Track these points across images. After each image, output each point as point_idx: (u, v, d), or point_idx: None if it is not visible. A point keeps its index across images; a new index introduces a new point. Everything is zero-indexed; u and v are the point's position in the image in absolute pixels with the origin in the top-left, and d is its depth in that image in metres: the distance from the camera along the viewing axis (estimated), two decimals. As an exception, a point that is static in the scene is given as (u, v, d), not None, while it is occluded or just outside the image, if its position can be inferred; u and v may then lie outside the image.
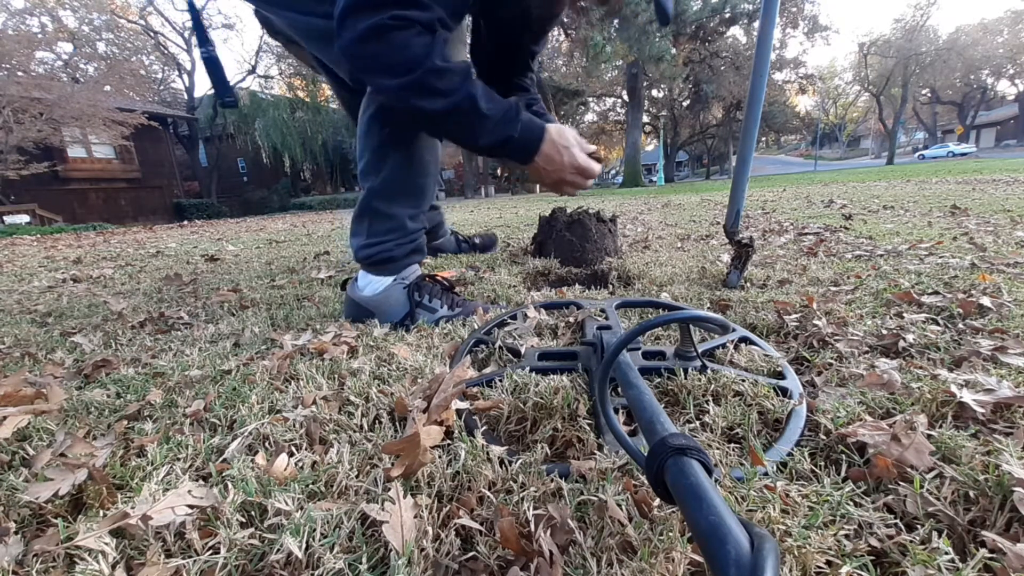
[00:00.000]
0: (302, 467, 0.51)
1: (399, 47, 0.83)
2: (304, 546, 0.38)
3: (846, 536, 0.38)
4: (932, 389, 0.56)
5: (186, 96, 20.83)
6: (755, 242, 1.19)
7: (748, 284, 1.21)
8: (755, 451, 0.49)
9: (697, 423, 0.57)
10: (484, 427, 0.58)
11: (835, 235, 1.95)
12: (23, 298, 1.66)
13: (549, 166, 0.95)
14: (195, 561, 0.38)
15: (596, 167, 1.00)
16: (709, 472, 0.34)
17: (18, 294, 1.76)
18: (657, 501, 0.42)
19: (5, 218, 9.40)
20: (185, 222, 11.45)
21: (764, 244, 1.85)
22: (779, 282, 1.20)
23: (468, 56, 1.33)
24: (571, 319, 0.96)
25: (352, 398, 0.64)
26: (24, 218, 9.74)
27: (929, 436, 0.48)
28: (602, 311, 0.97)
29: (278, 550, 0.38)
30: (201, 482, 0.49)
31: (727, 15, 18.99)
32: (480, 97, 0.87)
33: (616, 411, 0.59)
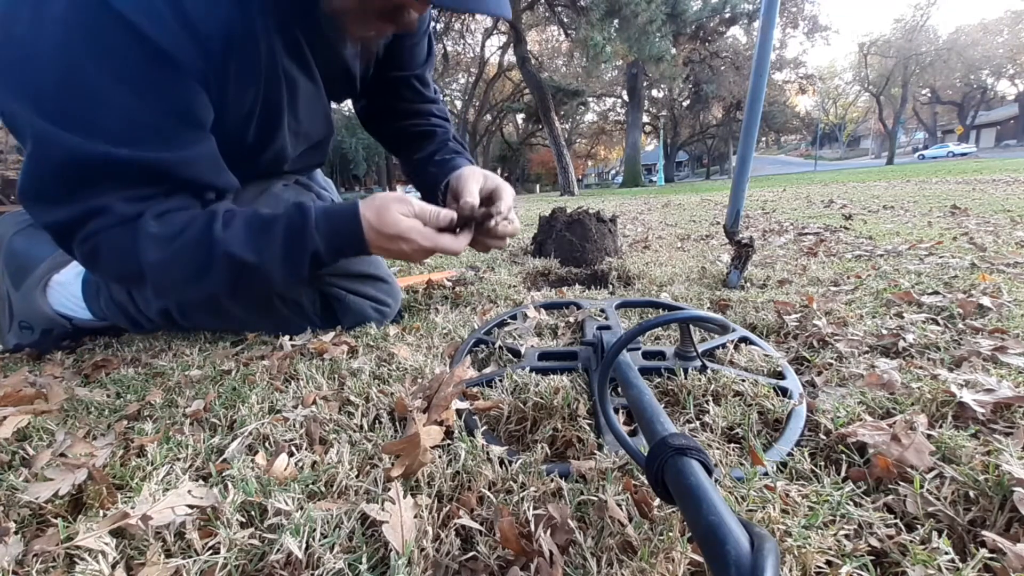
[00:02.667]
0: (302, 467, 0.51)
1: (102, 255, 0.69)
2: (304, 546, 0.38)
3: (846, 536, 0.38)
4: (932, 389, 0.56)
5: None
6: (755, 242, 1.19)
7: (748, 284, 1.21)
8: (755, 451, 0.49)
9: (697, 423, 0.57)
10: (484, 427, 0.58)
11: (835, 235, 1.95)
12: (23, 298, 1.66)
13: (390, 256, 0.78)
14: (195, 561, 0.38)
15: (453, 243, 0.79)
16: (709, 472, 0.34)
17: (18, 294, 1.76)
18: (657, 501, 0.42)
19: (5, 218, 9.39)
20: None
21: (764, 244, 1.85)
22: (779, 282, 1.20)
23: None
24: (571, 319, 0.96)
25: (352, 398, 0.64)
26: (24, 218, 9.72)
27: (929, 436, 0.48)
28: (602, 311, 0.97)
29: (278, 550, 0.38)
30: (201, 482, 0.49)
31: (727, 15, 19.01)
32: (238, 244, 0.69)
33: (616, 411, 0.59)
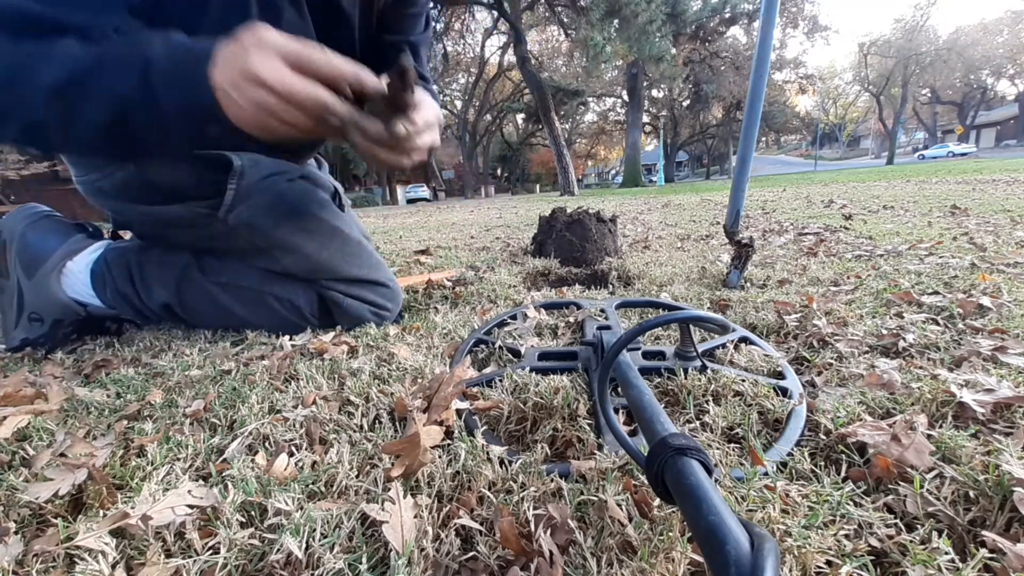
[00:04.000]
0: (302, 467, 0.51)
1: None
2: (304, 546, 0.38)
3: (846, 536, 0.38)
4: (932, 389, 0.56)
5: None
6: (755, 242, 1.19)
7: (748, 284, 1.21)
8: (755, 451, 0.49)
9: (697, 423, 0.57)
10: (484, 427, 0.58)
11: (835, 235, 1.95)
12: (23, 298, 1.66)
13: (232, 92, 0.56)
14: (195, 561, 0.38)
15: (307, 89, 0.55)
16: (709, 472, 0.34)
17: (18, 294, 1.76)
18: (657, 501, 0.42)
19: (5, 218, 9.38)
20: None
21: (764, 244, 1.85)
22: (779, 282, 1.20)
23: None
24: (571, 319, 0.96)
25: (352, 398, 0.64)
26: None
27: (929, 436, 0.48)
28: (602, 311, 0.97)
29: (278, 550, 0.38)
30: (201, 482, 0.49)
31: (727, 15, 19.04)
32: (74, 52, 0.57)
33: (616, 411, 0.59)
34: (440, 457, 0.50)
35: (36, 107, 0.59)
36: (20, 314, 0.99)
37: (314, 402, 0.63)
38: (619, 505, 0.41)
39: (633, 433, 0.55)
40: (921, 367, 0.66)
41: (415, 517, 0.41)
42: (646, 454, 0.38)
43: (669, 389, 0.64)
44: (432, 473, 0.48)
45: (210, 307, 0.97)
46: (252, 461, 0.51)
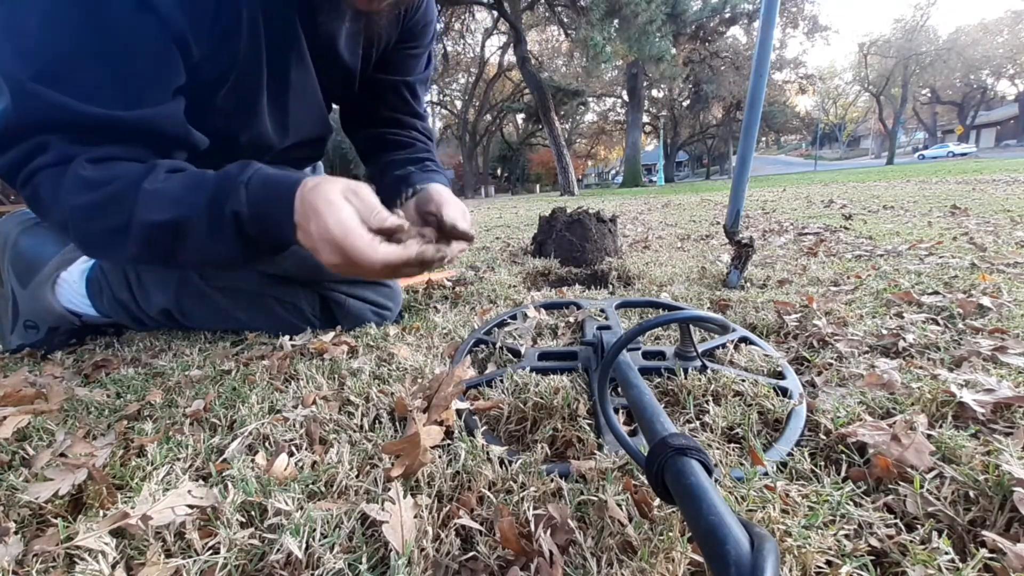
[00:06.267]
0: (302, 467, 0.51)
1: (36, 193, 0.62)
2: (304, 546, 0.38)
3: (846, 536, 0.38)
4: (932, 389, 0.56)
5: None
6: (755, 242, 1.19)
7: (748, 284, 1.21)
8: (755, 451, 0.49)
9: (697, 423, 0.57)
10: (484, 427, 0.58)
11: (835, 235, 1.95)
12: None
13: (307, 241, 0.59)
14: (195, 561, 0.38)
15: (370, 247, 0.55)
16: (709, 472, 0.34)
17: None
18: (657, 501, 0.42)
19: (5, 218, 9.38)
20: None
21: (764, 244, 1.85)
22: (779, 282, 1.20)
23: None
24: (571, 319, 0.96)
25: (352, 398, 0.64)
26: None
27: (929, 436, 0.48)
28: (602, 311, 0.97)
29: (278, 550, 0.38)
30: (201, 482, 0.49)
31: (727, 15, 19.04)
32: (163, 201, 0.59)
33: (616, 411, 0.59)
34: (440, 457, 0.50)
35: (135, 244, 0.62)
36: (15, 321, 0.99)
37: (314, 402, 0.63)
38: (619, 505, 0.41)
39: (633, 433, 0.55)
40: (921, 367, 0.66)
41: (415, 517, 0.41)
42: (646, 454, 0.38)
43: (669, 389, 0.64)
44: (432, 473, 0.48)
45: (210, 311, 0.96)
46: (252, 461, 0.51)
